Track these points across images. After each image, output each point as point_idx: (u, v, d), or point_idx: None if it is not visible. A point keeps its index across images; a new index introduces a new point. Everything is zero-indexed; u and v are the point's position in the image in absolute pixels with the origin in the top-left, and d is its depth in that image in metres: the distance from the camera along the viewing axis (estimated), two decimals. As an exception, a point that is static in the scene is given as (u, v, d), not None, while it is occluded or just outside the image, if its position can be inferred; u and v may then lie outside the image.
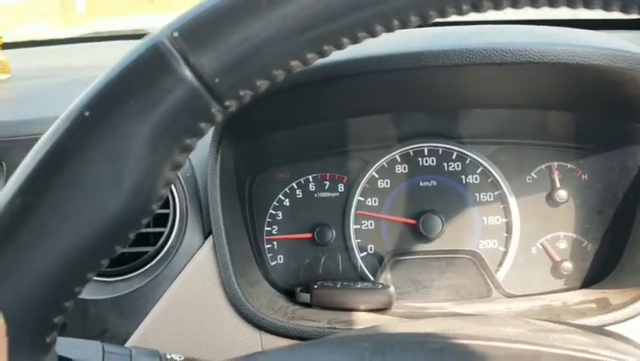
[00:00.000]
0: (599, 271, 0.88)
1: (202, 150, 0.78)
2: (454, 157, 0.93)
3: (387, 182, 0.93)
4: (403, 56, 0.69)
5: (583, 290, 0.86)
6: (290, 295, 0.88)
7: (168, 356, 0.53)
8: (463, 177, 0.92)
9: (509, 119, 0.89)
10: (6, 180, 0.78)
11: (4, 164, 0.78)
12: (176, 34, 0.30)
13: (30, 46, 1.38)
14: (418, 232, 0.90)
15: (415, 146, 0.93)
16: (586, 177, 0.90)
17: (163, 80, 0.31)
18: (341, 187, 0.94)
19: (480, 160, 0.91)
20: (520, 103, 0.84)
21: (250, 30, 0.31)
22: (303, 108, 0.83)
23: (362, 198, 0.93)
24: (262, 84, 0.33)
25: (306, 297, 0.84)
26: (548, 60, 0.67)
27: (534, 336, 0.56)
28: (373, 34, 0.32)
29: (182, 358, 0.53)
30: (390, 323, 0.68)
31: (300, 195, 0.94)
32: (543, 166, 0.91)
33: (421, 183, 0.93)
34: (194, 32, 0.31)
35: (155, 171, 0.32)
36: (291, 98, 0.76)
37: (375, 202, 0.93)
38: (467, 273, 0.90)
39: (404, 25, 0.32)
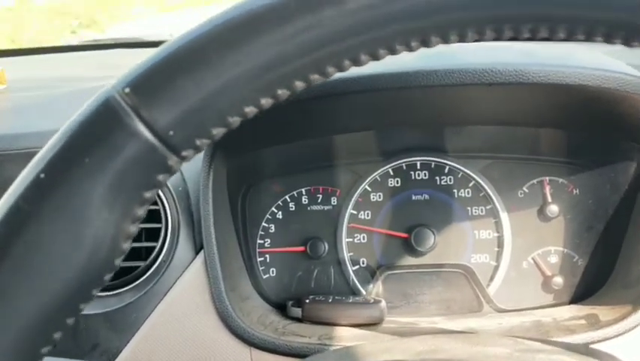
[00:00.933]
0: (590, 286, 0.88)
1: (194, 163, 0.79)
2: (446, 171, 0.93)
3: (379, 195, 0.93)
4: (393, 75, 0.69)
5: (573, 306, 0.87)
6: (281, 309, 0.88)
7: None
8: (455, 191, 0.93)
9: (501, 135, 0.89)
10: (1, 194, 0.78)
11: (-4, 178, 0.78)
12: (127, 89, 0.31)
13: (27, 54, 1.39)
14: (410, 245, 0.90)
15: (407, 160, 0.93)
16: (577, 192, 0.90)
17: (116, 137, 0.31)
18: (334, 200, 0.94)
19: (472, 174, 0.92)
20: (511, 120, 0.85)
21: (201, 81, 0.31)
22: (295, 124, 0.84)
23: (354, 212, 0.93)
24: (218, 132, 0.33)
25: (297, 312, 0.84)
26: (538, 81, 0.67)
27: (521, 357, 0.56)
28: (326, 76, 0.33)
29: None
30: (381, 342, 0.68)
31: (293, 208, 0.94)
32: (535, 181, 0.91)
33: (414, 197, 0.93)
34: (144, 86, 0.31)
35: (115, 227, 0.32)
36: (284, 114, 0.77)
37: (367, 215, 0.93)
38: (459, 287, 0.90)
39: (356, 63, 0.32)
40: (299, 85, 0.33)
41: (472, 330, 0.82)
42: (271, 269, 0.93)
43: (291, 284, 0.92)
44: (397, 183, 0.93)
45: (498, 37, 0.32)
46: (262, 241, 0.93)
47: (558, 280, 0.89)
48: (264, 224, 0.93)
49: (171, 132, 0.31)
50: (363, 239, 0.93)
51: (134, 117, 0.31)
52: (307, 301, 0.84)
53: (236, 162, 0.86)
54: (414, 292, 0.91)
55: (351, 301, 0.85)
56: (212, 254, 0.77)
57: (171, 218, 0.79)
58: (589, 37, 0.31)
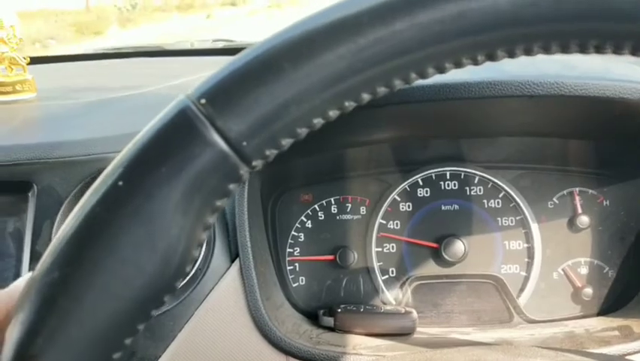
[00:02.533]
0: (620, 298, 0.88)
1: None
2: (476, 181, 0.93)
3: (409, 205, 0.94)
4: (436, 87, 0.70)
5: (605, 317, 0.87)
6: (312, 317, 0.88)
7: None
8: (485, 201, 0.93)
9: (531, 146, 0.89)
10: (37, 203, 0.79)
11: (35, 186, 0.79)
12: (203, 100, 0.32)
13: (57, 61, 1.40)
14: (439, 255, 0.90)
15: (437, 170, 0.94)
16: (607, 203, 0.91)
17: (192, 146, 0.32)
18: (363, 210, 0.95)
19: (502, 185, 0.92)
20: (542, 132, 0.85)
21: (274, 92, 0.32)
22: (327, 135, 0.84)
23: (384, 221, 0.93)
24: (287, 142, 0.34)
25: (329, 321, 0.84)
26: (579, 93, 0.68)
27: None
28: (392, 88, 0.33)
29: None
30: (421, 352, 0.68)
31: (322, 218, 0.94)
32: (565, 192, 0.91)
33: (443, 207, 0.93)
34: (219, 97, 0.32)
35: (188, 234, 0.33)
36: (323, 126, 0.77)
37: (397, 225, 0.93)
38: (489, 298, 0.90)
39: (422, 76, 0.33)
40: (365, 97, 0.34)
41: (504, 341, 0.82)
42: (301, 278, 0.93)
43: (320, 293, 0.93)
44: (427, 193, 0.94)
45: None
46: (292, 250, 0.93)
47: (588, 291, 0.89)
48: (293, 233, 0.94)
49: (244, 143, 0.32)
50: (393, 249, 0.93)
51: (210, 127, 0.31)
52: (339, 310, 0.85)
53: (268, 171, 0.87)
54: (444, 303, 0.91)
55: (382, 311, 0.85)
56: (247, 263, 0.77)
57: (207, 227, 0.79)
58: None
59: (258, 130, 0.32)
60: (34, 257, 0.76)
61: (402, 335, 0.84)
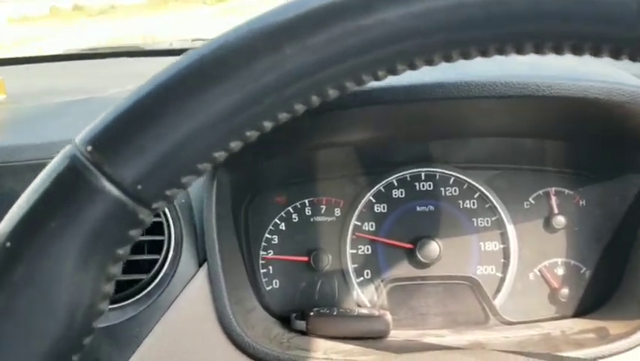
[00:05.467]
0: (597, 299, 0.87)
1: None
2: (451, 182, 0.92)
3: (384, 206, 0.92)
4: (401, 88, 0.69)
5: (581, 319, 0.86)
6: (285, 321, 0.87)
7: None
8: (460, 202, 0.92)
9: (506, 146, 0.88)
10: (2, 207, 0.77)
11: (-3, 190, 0.77)
12: (89, 147, 0.30)
13: (27, 62, 1.38)
14: (414, 257, 0.89)
15: (411, 171, 0.92)
16: (584, 203, 0.90)
17: (82, 197, 0.30)
18: (337, 211, 0.93)
19: (477, 185, 0.91)
20: (517, 132, 0.84)
21: (164, 133, 0.30)
22: (299, 136, 0.83)
23: (358, 223, 0.92)
24: (188, 180, 0.32)
25: (302, 325, 0.83)
26: (548, 94, 0.67)
27: (533, 374, 0.55)
28: (295, 113, 0.32)
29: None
30: (393, 357, 0.67)
31: (296, 220, 0.93)
32: (541, 192, 0.90)
33: (418, 208, 0.92)
34: (106, 142, 0.30)
35: (90, 288, 0.31)
36: (288, 127, 0.76)
37: (371, 227, 0.92)
38: (464, 299, 0.89)
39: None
40: (267, 125, 0.32)
41: (479, 343, 0.81)
42: (274, 281, 0.91)
43: (294, 296, 0.91)
44: (402, 194, 0.92)
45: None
46: (265, 253, 0.92)
47: (565, 291, 0.88)
48: (267, 235, 0.92)
49: (139, 186, 0.30)
50: (368, 250, 0.92)
51: (99, 175, 0.30)
52: (312, 314, 0.83)
53: (239, 173, 0.85)
54: (419, 304, 0.90)
55: (356, 314, 0.84)
56: (215, 267, 0.76)
57: (174, 230, 0.78)
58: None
59: (152, 173, 0.30)
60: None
61: (375, 338, 0.82)
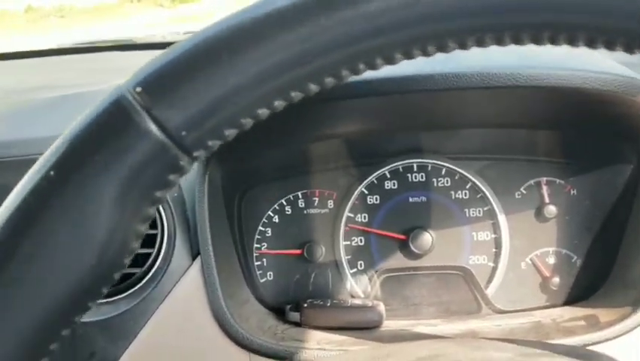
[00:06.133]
0: (588, 287, 0.88)
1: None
2: (443, 173, 0.92)
3: (376, 198, 0.93)
4: (392, 80, 0.69)
5: (572, 307, 0.86)
6: (279, 313, 0.87)
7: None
8: (452, 192, 0.92)
9: (497, 137, 0.89)
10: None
11: (-11, 186, 0.77)
12: (138, 88, 0.30)
13: (16, 58, 1.37)
14: (407, 248, 0.90)
15: (404, 162, 0.93)
16: (575, 192, 0.90)
17: (127, 136, 0.30)
18: (330, 203, 0.94)
19: (469, 176, 0.91)
20: (507, 123, 0.85)
21: (214, 82, 0.31)
22: (291, 128, 0.83)
23: (351, 215, 0.92)
24: (230, 133, 0.32)
25: (295, 316, 0.83)
26: (535, 84, 0.67)
27: (524, 361, 0.56)
28: (340, 79, 0.32)
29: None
30: (382, 347, 0.68)
31: (290, 212, 0.93)
32: (532, 181, 0.91)
33: (411, 199, 0.92)
34: (156, 86, 0.31)
35: (125, 227, 0.32)
36: (280, 118, 0.76)
37: (364, 218, 0.92)
38: (457, 289, 0.90)
39: (371, 67, 0.32)
40: (313, 88, 0.33)
41: (471, 332, 0.82)
42: (268, 273, 0.92)
43: (288, 288, 0.92)
44: (394, 185, 0.93)
45: (499, 44, 0.32)
46: (259, 245, 0.92)
47: (556, 280, 0.88)
48: (260, 228, 0.92)
49: (183, 133, 0.31)
50: (361, 242, 0.92)
51: (146, 117, 0.30)
52: (305, 305, 0.84)
53: (232, 166, 0.85)
54: (412, 295, 0.91)
55: (349, 305, 0.85)
56: (208, 260, 0.76)
57: (167, 224, 0.78)
58: (590, 45, 0.31)
59: (198, 121, 0.31)
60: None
61: (368, 328, 0.83)
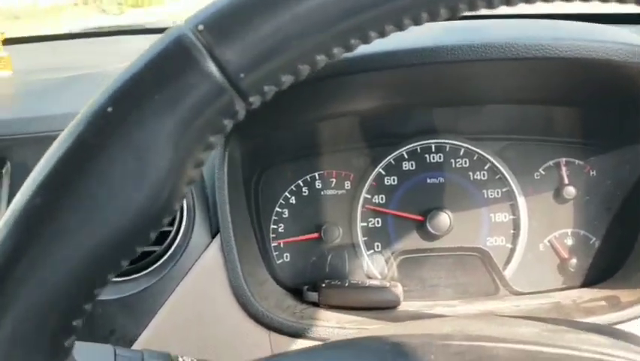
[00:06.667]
0: (607, 268, 0.88)
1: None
2: (461, 153, 0.92)
3: (394, 179, 0.92)
4: (416, 51, 0.68)
5: (591, 288, 0.86)
6: (297, 293, 0.87)
7: (180, 359, 0.52)
8: (470, 173, 0.92)
9: (517, 115, 0.88)
10: (11, 179, 0.77)
11: (8, 163, 0.77)
12: (201, 27, 0.30)
13: (33, 41, 1.37)
14: (425, 229, 0.89)
15: (422, 142, 0.92)
16: (594, 173, 0.90)
17: (187, 75, 0.30)
18: (347, 184, 0.93)
19: (488, 156, 0.91)
20: (530, 98, 0.84)
21: (276, 24, 0.30)
22: (309, 106, 0.83)
23: (369, 196, 0.92)
24: (287, 80, 0.32)
25: (313, 296, 0.83)
26: (564, 55, 0.66)
27: (550, 336, 0.55)
28: (401, 28, 0.32)
29: (194, 360, 0.53)
30: (405, 324, 0.68)
31: (307, 193, 0.93)
32: (551, 162, 0.90)
33: (428, 180, 0.92)
34: (219, 25, 0.30)
35: (179, 169, 0.31)
36: (297, 96, 0.76)
37: (382, 199, 0.92)
38: (475, 270, 0.89)
39: (432, 18, 0.31)
40: (373, 36, 0.32)
41: (490, 313, 0.82)
42: (285, 254, 0.92)
43: (305, 269, 0.91)
44: (412, 166, 0.92)
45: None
46: (276, 226, 0.92)
47: (575, 262, 0.88)
48: (277, 209, 0.92)
49: (242, 75, 0.30)
50: (378, 223, 0.92)
51: (207, 56, 0.30)
52: (323, 285, 0.84)
53: (250, 146, 0.85)
54: (429, 276, 0.90)
55: (367, 285, 0.84)
56: (228, 238, 0.76)
57: (186, 202, 0.78)
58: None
59: (258, 63, 0.31)
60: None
61: (386, 308, 0.83)
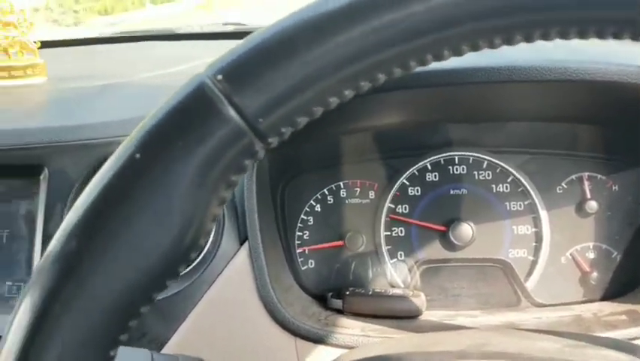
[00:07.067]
0: (628, 282, 0.89)
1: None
2: (484, 166, 0.93)
3: (417, 190, 0.94)
4: (444, 73, 0.70)
5: (612, 302, 0.87)
6: (321, 300, 0.89)
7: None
8: (493, 186, 0.93)
9: (540, 131, 0.89)
10: (49, 185, 0.79)
11: (46, 169, 0.80)
12: (219, 76, 0.32)
13: (66, 45, 1.40)
14: (447, 239, 0.91)
15: (445, 154, 0.94)
16: (616, 188, 0.91)
17: (209, 121, 0.32)
18: (371, 194, 0.95)
19: (510, 170, 0.92)
20: (551, 116, 0.85)
21: (289, 72, 0.32)
22: (336, 120, 0.84)
23: (392, 205, 0.94)
24: (302, 120, 0.34)
25: (338, 303, 0.85)
26: (586, 78, 0.68)
27: (571, 352, 0.57)
28: (408, 70, 0.34)
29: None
30: (429, 335, 0.69)
31: (332, 202, 0.95)
32: (574, 177, 0.91)
33: (452, 192, 0.93)
34: (236, 74, 0.32)
35: (204, 208, 0.34)
36: (328, 111, 0.78)
37: (405, 209, 0.94)
38: (496, 282, 0.91)
39: (438, 59, 0.34)
40: (381, 78, 0.34)
41: (511, 324, 0.83)
42: (310, 261, 0.94)
43: (329, 276, 0.93)
44: (435, 177, 0.94)
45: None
46: (301, 233, 0.94)
47: (596, 275, 0.89)
48: (302, 217, 0.94)
49: (260, 120, 0.33)
50: (401, 233, 0.94)
51: (226, 103, 0.32)
52: (347, 293, 0.86)
53: (278, 157, 0.87)
54: (452, 286, 0.92)
55: (390, 294, 0.86)
56: (256, 245, 0.78)
57: (217, 210, 0.80)
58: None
59: (274, 108, 0.33)
60: (47, 239, 0.77)
61: (409, 317, 0.84)
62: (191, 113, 0.33)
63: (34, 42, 1.06)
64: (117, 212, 0.32)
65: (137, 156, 0.33)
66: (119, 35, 1.55)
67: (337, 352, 0.75)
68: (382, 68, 0.34)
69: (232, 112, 0.32)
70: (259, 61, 0.33)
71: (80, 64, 1.24)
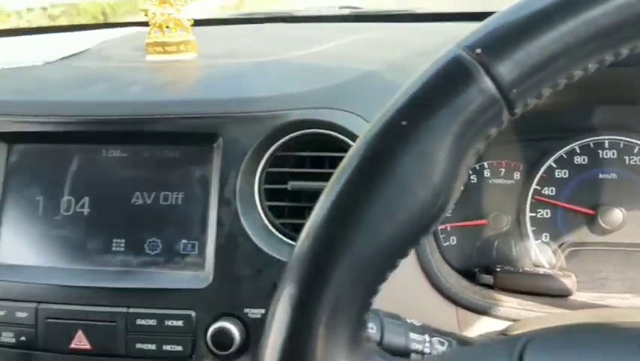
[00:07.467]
0: None
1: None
2: (635, 151, 0.93)
3: (565, 172, 0.94)
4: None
5: None
6: (466, 275, 0.91)
7: (408, 320, 0.57)
8: (644, 171, 0.92)
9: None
10: (223, 153, 0.84)
11: (220, 138, 0.84)
12: (478, 50, 0.35)
13: (220, 24, 1.47)
14: (596, 223, 0.91)
15: (595, 138, 0.94)
16: None
17: (467, 90, 0.35)
18: (516, 175, 0.96)
19: (663, 155, 0.91)
20: None
21: (544, 43, 0.35)
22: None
23: (538, 187, 0.95)
24: (546, 92, 0.37)
25: (488, 279, 0.87)
26: None
27: None
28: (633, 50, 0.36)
29: (420, 323, 0.58)
30: (605, 310, 0.70)
31: (475, 181, 0.97)
32: None
33: (600, 175, 0.93)
34: (494, 47, 0.35)
35: (456, 172, 0.37)
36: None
37: (551, 192, 0.94)
38: (646, 267, 0.90)
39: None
40: (624, 52, 0.36)
41: None
42: (452, 238, 0.96)
43: (471, 253, 0.95)
44: (584, 160, 0.94)
45: None
46: (444, 211, 0.96)
47: None
48: (446, 195, 0.96)
49: (514, 90, 0.36)
50: (547, 214, 0.94)
51: (484, 74, 0.35)
52: (498, 269, 0.87)
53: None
54: (596, 269, 0.92)
55: (542, 272, 0.87)
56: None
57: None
58: None
59: (527, 78, 0.36)
60: (222, 202, 0.82)
61: (560, 296, 0.85)
62: (452, 84, 0.36)
63: (188, 20, 1.12)
64: (385, 173, 0.36)
65: (404, 123, 0.36)
66: (245, 17, 1.61)
67: (499, 323, 0.77)
68: (629, 43, 0.36)
69: (489, 82, 0.35)
70: (515, 34, 0.35)
71: (218, 42, 1.29)
